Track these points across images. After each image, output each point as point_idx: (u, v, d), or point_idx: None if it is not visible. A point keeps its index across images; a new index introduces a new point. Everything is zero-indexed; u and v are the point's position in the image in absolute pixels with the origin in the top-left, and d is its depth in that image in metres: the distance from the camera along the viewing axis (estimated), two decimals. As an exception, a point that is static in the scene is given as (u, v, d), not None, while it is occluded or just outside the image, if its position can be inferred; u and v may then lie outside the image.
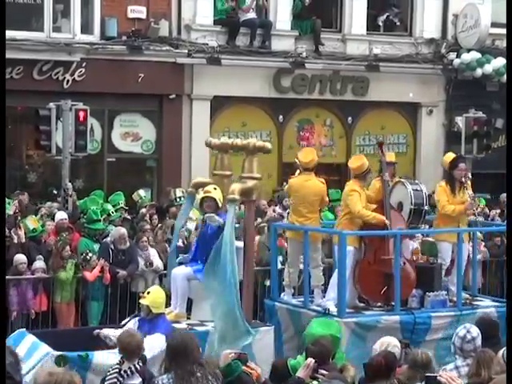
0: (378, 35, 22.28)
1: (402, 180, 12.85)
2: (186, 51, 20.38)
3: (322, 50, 21.56)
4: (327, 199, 12.87)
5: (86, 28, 19.56)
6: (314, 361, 7.52)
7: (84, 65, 19.40)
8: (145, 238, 14.68)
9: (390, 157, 13.51)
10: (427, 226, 16.02)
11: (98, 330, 10.35)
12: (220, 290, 10.35)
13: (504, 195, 20.39)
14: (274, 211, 17.26)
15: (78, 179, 19.32)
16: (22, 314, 13.50)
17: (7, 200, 16.09)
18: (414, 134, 23.02)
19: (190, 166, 20.48)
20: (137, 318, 10.33)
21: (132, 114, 20.59)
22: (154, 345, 9.01)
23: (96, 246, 14.55)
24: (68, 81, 19.34)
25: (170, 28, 20.42)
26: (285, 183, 15.22)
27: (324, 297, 12.36)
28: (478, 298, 13.31)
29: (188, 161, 20.50)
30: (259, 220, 16.51)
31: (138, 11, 19.97)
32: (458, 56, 22.18)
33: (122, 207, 16.35)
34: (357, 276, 12.03)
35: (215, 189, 11.17)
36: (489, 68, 21.89)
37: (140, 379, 7.46)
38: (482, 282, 16.36)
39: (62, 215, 15.49)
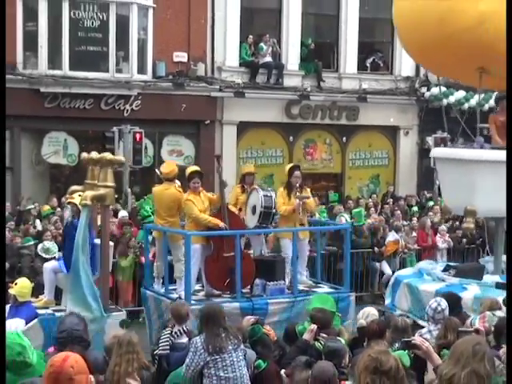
0: (366, 74, 22.33)
1: (256, 187, 11.52)
2: (218, 87, 20.46)
3: (323, 85, 21.61)
4: None
5: (141, 69, 19.65)
6: (316, 326, 7.46)
7: (140, 98, 19.53)
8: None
9: (249, 168, 12.52)
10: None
11: None
12: (73, 282, 9.43)
13: None
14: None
15: (136, 186, 19.35)
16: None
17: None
18: (394, 150, 23.01)
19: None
20: (9, 305, 9.66)
21: (176, 136, 20.60)
22: (11, 327, 8.35)
23: (150, 237, 14.63)
24: (127, 110, 19.47)
25: (206, 69, 20.49)
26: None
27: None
28: (319, 285, 11.89)
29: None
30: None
31: (180, 56, 20.08)
32: (428, 90, 22.23)
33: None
34: (205, 270, 10.98)
35: (80, 195, 10.05)
36: (452, 99, 21.87)
37: (187, 338, 7.53)
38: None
39: (123, 213, 15.65)
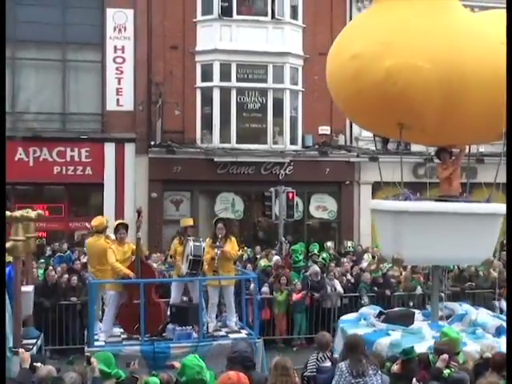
0: (482, 139, 21.38)
1: (189, 238, 10.09)
2: (356, 154, 20.22)
3: (445, 150, 20.87)
4: None
5: (293, 141, 19.73)
6: (448, 356, 7.00)
7: (292, 164, 19.58)
8: (331, 273, 14.46)
9: (189, 221, 10.63)
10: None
11: None
12: None
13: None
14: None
15: (289, 235, 19.19)
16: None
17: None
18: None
19: (359, 227, 20.16)
20: None
21: (322, 194, 20.46)
22: None
23: (299, 277, 14.35)
24: (282, 174, 19.54)
25: (345, 139, 20.36)
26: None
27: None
28: (241, 330, 10.23)
29: (358, 224, 20.16)
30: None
31: (325, 129, 20.03)
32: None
33: (315, 253, 15.67)
34: (119, 315, 9.86)
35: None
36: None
37: (330, 363, 7.29)
38: None
39: (277, 258, 15.48)
